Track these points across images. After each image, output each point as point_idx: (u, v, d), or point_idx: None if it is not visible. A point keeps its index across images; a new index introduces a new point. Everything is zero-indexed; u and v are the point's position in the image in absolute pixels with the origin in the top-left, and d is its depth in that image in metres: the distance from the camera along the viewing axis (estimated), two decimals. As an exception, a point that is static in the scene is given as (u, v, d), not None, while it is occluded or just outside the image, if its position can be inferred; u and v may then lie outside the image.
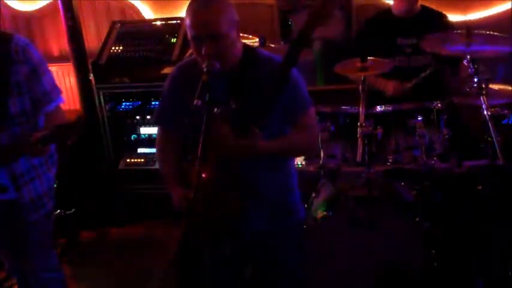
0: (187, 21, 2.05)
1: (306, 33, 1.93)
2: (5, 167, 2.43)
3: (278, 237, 2.29)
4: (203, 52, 2.02)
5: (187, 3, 2.11)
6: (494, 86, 3.10)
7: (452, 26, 3.56)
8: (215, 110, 2.04)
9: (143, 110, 4.35)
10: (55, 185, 2.69)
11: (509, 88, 3.22)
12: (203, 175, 1.98)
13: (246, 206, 2.08)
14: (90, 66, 4.39)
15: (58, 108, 2.55)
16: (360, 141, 2.93)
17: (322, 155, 3.07)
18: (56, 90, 2.54)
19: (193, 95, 1.99)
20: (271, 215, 2.24)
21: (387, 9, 3.72)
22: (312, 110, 2.25)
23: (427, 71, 3.37)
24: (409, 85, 3.39)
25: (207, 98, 1.95)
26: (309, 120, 2.25)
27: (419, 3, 3.59)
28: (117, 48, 4.39)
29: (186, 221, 2.03)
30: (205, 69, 2.00)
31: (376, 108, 3.11)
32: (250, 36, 3.79)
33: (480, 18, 4.31)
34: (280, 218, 2.29)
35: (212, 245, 2.10)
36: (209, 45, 2.01)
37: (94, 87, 4.36)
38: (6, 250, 2.64)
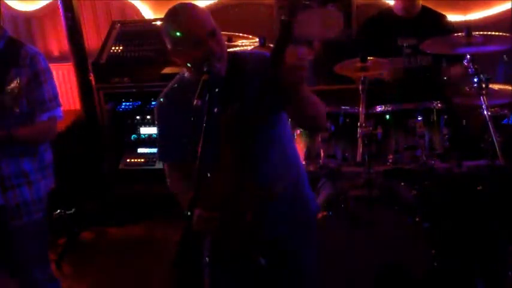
0: (179, 32, 2.01)
1: (288, 25, 1.91)
2: None
3: (297, 233, 2.25)
4: (214, 50, 1.99)
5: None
6: (494, 86, 3.10)
7: (452, 27, 3.56)
8: (215, 110, 2.04)
9: (143, 110, 4.34)
10: (52, 189, 2.68)
11: (509, 88, 3.22)
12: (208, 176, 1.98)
13: (264, 209, 2.04)
14: (90, 66, 4.39)
15: (51, 120, 2.55)
16: (360, 141, 2.94)
17: (322, 155, 3.07)
18: (55, 102, 2.55)
19: (189, 118, 1.98)
20: (290, 212, 2.20)
21: (388, 9, 3.72)
22: None
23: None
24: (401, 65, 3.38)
25: (207, 98, 1.95)
26: None
27: (420, 3, 3.60)
28: (117, 48, 4.38)
29: (188, 224, 2.00)
30: (205, 69, 1.99)
31: (376, 108, 3.11)
32: (250, 36, 3.77)
33: (480, 18, 4.31)
34: (298, 213, 2.25)
35: (241, 256, 2.07)
36: (211, 43, 2.01)
37: (94, 87, 4.36)
38: None
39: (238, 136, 2.00)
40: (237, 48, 3.60)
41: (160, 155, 2.34)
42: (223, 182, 2.03)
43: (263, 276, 2.18)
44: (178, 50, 2.05)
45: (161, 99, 2.23)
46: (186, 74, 2.18)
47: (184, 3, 2.09)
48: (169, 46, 2.08)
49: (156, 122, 2.29)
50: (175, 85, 2.22)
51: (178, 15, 2.04)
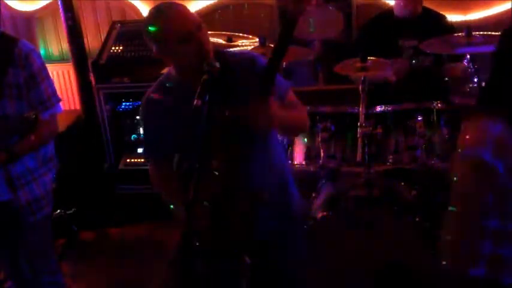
0: (168, 30, 2.00)
1: (292, 23, 1.91)
2: (1, 169, 2.44)
3: (285, 232, 2.25)
4: (204, 43, 2.00)
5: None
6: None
7: (452, 27, 3.57)
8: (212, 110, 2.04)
9: (143, 110, 4.34)
10: (54, 186, 2.69)
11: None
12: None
13: (256, 207, 2.06)
14: (90, 66, 4.39)
15: (51, 117, 2.54)
16: (359, 141, 2.93)
17: (322, 155, 3.07)
18: (54, 99, 2.53)
19: (176, 117, 2.02)
20: (279, 210, 2.20)
21: (388, 11, 3.72)
22: (291, 91, 2.23)
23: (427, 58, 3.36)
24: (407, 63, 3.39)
25: (207, 98, 1.94)
26: (294, 97, 2.22)
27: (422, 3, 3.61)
28: (117, 48, 4.39)
29: (187, 222, 2.01)
30: (205, 69, 1.99)
31: (376, 108, 3.11)
32: (250, 36, 3.77)
33: (480, 18, 4.32)
34: (287, 212, 2.26)
35: (228, 255, 2.08)
36: (200, 36, 2.00)
37: (94, 87, 4.36)
38: (4, 252, 2.64)
39: (230, 136, 2.01)
40: (237, 48, 3.60)
41: (147, 152, 2.38)
42: (214, 181, 2.03)
43: (254, 276, 2.19)
44: (167, 48, 2.04)
45: (147, 98, 2.23)
46: (173, 73, 2.16)
47: (166, 2, 2.08)
48: (155, 46, 2.07)
49: (141, 120, 2.31)
50: (162, 84, 2.21)
51: (165, 13, 2.03)
